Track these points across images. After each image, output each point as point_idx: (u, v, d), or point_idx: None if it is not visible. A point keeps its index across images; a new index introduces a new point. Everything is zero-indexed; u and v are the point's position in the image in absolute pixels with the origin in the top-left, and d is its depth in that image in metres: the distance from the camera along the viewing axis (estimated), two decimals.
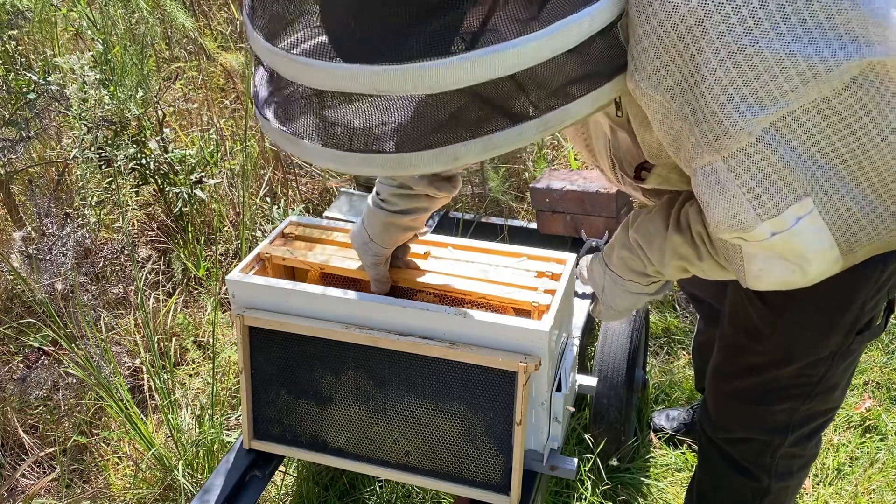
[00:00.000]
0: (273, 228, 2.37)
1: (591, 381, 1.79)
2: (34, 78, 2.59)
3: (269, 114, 0.97)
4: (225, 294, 2.54)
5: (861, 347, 1.37)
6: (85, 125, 2.55)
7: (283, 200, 2.93)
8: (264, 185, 2.98)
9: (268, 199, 2.96)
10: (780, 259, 0.99)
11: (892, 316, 1.35)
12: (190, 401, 2.26)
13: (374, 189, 1.46)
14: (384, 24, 0.82)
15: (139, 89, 2.60)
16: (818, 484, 2.19)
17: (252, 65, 1.07)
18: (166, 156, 2.77)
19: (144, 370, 2.29)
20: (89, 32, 2.91)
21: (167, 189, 2.82)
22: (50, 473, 2.14)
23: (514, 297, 1.45)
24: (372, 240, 1.46)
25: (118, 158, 2.60)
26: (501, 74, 0.81)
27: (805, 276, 1.01)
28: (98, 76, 2.56)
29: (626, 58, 0.91)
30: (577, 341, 1.66)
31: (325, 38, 0.87)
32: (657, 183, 1.20)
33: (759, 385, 1.43)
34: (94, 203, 2.74)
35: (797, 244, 0.96)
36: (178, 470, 1.98)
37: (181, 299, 2.64)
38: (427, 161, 0.87)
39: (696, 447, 2.12)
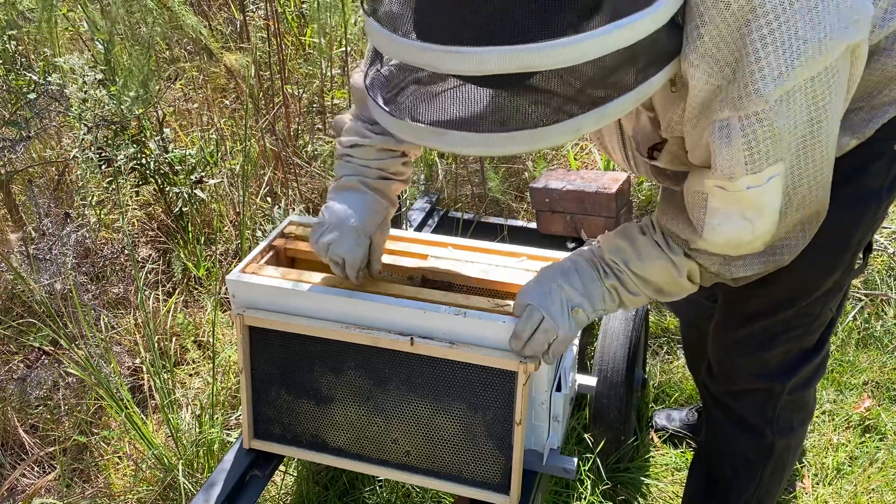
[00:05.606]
0: (273, 228, 2.38)
1: (590, 380, 1.79)
2: (34, 78, 2.60)
3: (404, 113, 1.05)
4: (225, 294, 2.54)
5: (848, 285, 1.52)
6: (85, 125, 2.55)
7: (283, 200, 2.93)
8: (264, 185, 2.98)
9: (268, 199, 2.96)
10: (739, 216, 1.16)
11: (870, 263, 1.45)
12: (190, 401, 2.26)
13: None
14: (531, 7, 0.91)
15: (139, 89, 2.60)
16: (818, 484, 2.19)
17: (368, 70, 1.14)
18: (166, 156, 2.77)
19: (144, 370, 2.30)
20: (89, 32, 2.91)
21: (167, 189, 2.82)
22: (50, 473, 2.14)
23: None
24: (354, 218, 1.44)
25: (118, 158, 2.61)
26: (633, 41, 0.95)
27: (753, 232, 1.18)
28: (98, 76, 2.56)
29: (682, 39, 1.07)
30: (576, 341, 1.66)
31: (472, 21, 0.93)
32: (667, 161, 1.32)
33: (762, 330, 1.53)
34: (94, 203, 2.74)
35: (762, 201, 1.13)
36: (178, 470, 1.98)
37: (181, 299, 2.64)
38: (558, 133, 0.99)
39: (695, 446, 2.13)
